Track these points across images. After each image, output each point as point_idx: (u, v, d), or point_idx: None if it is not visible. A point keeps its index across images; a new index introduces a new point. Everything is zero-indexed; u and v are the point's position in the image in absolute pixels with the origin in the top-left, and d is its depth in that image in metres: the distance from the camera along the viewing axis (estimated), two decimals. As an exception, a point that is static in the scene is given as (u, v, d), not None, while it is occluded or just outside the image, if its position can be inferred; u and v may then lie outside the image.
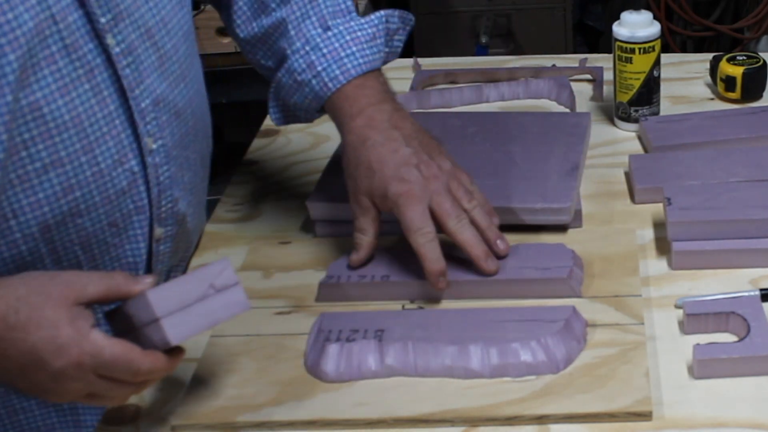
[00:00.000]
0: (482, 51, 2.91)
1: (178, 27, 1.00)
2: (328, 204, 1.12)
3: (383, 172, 1.00)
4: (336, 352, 0.92)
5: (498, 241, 1.01)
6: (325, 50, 1.06)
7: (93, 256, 0.95)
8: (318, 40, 1.07)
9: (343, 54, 1.06)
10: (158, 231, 1.00)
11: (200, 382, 0.93)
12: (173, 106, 0.99)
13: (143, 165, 0.95)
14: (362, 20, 1.08)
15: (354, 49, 1.06)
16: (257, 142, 1.38)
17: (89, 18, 0.88)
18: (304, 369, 0.93)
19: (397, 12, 1.10)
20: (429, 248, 0.98)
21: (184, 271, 1.10)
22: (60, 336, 0.78)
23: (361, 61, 1.06)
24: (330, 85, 1.05)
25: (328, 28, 1.08)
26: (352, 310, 1.00)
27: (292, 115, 1.13)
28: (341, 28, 1.07)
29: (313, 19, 1.08)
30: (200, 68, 1.09)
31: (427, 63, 1.54)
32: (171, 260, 1.04)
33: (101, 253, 0.96)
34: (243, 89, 2.49)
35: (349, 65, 1.05)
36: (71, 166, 0.89)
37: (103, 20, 0.89)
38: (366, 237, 1.02)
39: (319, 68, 1.06)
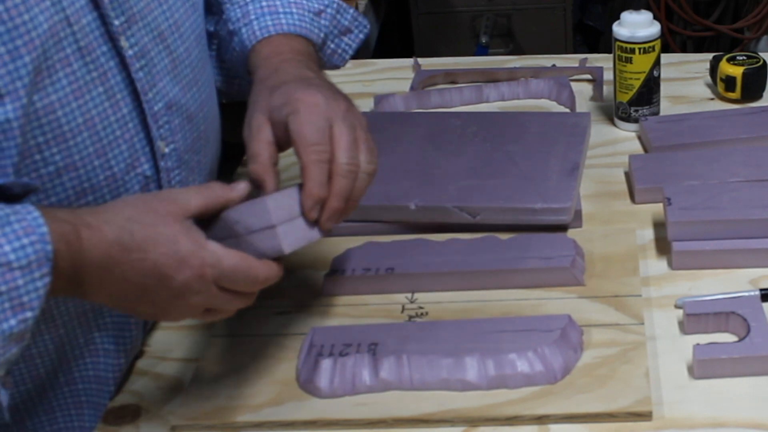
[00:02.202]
0: (482, 51, 2.92)
1: (191, 31, 1.00)
2: (328, 204, 1.12)
3: (288, 86, 0.90)
4: (329, 367, 0.91)
5: (329, 219, 0.86)
6: (264, 2, 1.03)
7: None
8: None
9: (281, 10, 1.02)
10: None
11: (200, 382, 0.93)
12: (185, 110, 0.98)
13: (156, 169, 0.95)
14: None
15: (294, 10, 1.03)
16: (257, 142, 1.38)
17: (103, 20, 0.88)
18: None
19: (351, 10, 1.06)
20: (320, 169, 0.84)
21: None
22: (180, 250, 0.78)
23: (298, 22, 1.01)
24: (258, 33, 1.01)
25: None
26: (345, 323, 0.99)
27: (230, 80, 1.08)
28: None
29: None
30: (212, 73, 1.08)
31: (427, 63, 1.54)
32: None
33: None
34: (243, 89, 2.48)
35: (283, 20, 1.02)
36: (84, 170, 0.89)
37: (116, 23, 0.89)
38: (260, 165, 0.87)
39: (252, 17, 1.03)
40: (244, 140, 0.91)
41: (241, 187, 0.83)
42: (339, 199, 0.86)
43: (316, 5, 1.06)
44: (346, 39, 1.08)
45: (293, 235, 0.83)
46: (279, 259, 0.84)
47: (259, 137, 0.88)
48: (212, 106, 1.06)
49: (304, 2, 1.05)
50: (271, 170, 0.88)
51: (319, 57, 1.05)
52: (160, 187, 0.96)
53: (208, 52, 1.07)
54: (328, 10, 1.07)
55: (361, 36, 1.10)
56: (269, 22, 1.02)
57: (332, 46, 1.07)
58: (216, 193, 0.82)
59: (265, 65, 0.98)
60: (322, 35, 1.06)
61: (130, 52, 0.90)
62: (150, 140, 0.94)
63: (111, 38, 0.89)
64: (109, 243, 0.77)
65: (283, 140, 0.89)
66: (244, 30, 1.03)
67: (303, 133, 0.86)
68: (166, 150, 0.96)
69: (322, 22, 1.05)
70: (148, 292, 0.80)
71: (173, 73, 0.96)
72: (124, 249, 0.78)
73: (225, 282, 0.81)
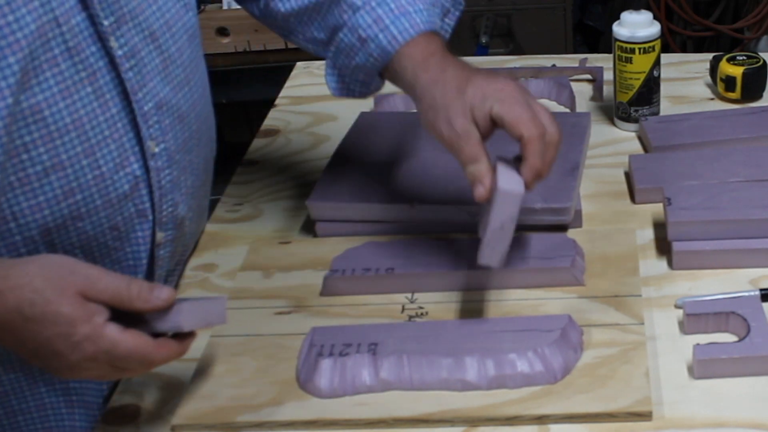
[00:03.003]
0: (482, 51, 2.91)
1: (183, 30, 0.99)
2: (328, 204, 1.12)
3: (476, 81, 0.94)
4: (329, 367, 0.91)
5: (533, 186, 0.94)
6: (392, 5, 1.02)
7: (93, 259, 0.95)
8: None
9: (411, 9, 1.02)
10: (159, 235, 0.99)
11: (200, 382, 0.93)
12: (176, 110, 0.98)
13: (146, 169, 0.95)
14: None
15: (420, 6, 1.02)
16: (257, 142, 1.38)
17: (92, 21, 0.88)
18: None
19: None
20: (540, 144, 0.92)
21: (181, 274, 1.10)
22: (76, 334, 0.78)
23: (427, 18, 1.02)
24: (399, 38, 1.00)
25: None
26: (345, 323, 0.99)
27: (347, 85, 1.08)
28: None
29: None
30: (205, 72, 1.08)
31: (427, 63, 1.54)
32: (169, 264, 1.04)
33: (102, 256, 0.95)
34: (243, 89, 2.49)
35: (417, 20, 1.01)
36: (72, 170, 0.89)
37: (105, 23, 0.89)
38: (481, 165, 0.92)
39: (387, 21, 1.01)
40: (449, 141, 0.94)
41: (163, 297, 0.81)
42: (549, 168, 0.94)
43: None
44: (446, 20, 1.08)
45: (196, 312, 0.84)
46: (187, 334, 0.84)
47: (470, 141, 0.92)
48: (205, 105, 1.06)
49: None
50: (490, 170, 0.92)
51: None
52: (149, 186, 0.96)
53: (202, 50, 1.07)
54: None
55: (457, 14, 1.10)
56: (406, 25, 1.01)
57: (441, 24, 1.07)
58: (131, 292, 0.80)
59: (427, 67, 0.98)
60: (439, 23, 1.05)
61: (120, 53, 0.90)
62: (140, 140, 0.94)
63: (100, 38, 0.89)
64: (9, 309, 0.78)
65: (486, 132, 0.93)
66: (381, 36, 1.01)
67: (520, 114, 0.91)
68: (156, 150, 0.95)
69: (437, 10, 1.05)
70: (40, 357, 0.81)
71: (164, 72, 0.96)
72: (23, 319, 0.78)
73: (119, 363, 0.81)
